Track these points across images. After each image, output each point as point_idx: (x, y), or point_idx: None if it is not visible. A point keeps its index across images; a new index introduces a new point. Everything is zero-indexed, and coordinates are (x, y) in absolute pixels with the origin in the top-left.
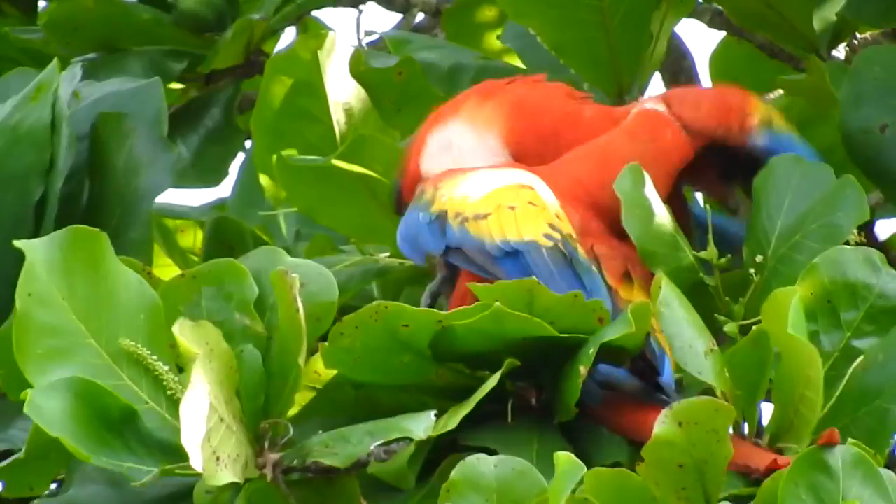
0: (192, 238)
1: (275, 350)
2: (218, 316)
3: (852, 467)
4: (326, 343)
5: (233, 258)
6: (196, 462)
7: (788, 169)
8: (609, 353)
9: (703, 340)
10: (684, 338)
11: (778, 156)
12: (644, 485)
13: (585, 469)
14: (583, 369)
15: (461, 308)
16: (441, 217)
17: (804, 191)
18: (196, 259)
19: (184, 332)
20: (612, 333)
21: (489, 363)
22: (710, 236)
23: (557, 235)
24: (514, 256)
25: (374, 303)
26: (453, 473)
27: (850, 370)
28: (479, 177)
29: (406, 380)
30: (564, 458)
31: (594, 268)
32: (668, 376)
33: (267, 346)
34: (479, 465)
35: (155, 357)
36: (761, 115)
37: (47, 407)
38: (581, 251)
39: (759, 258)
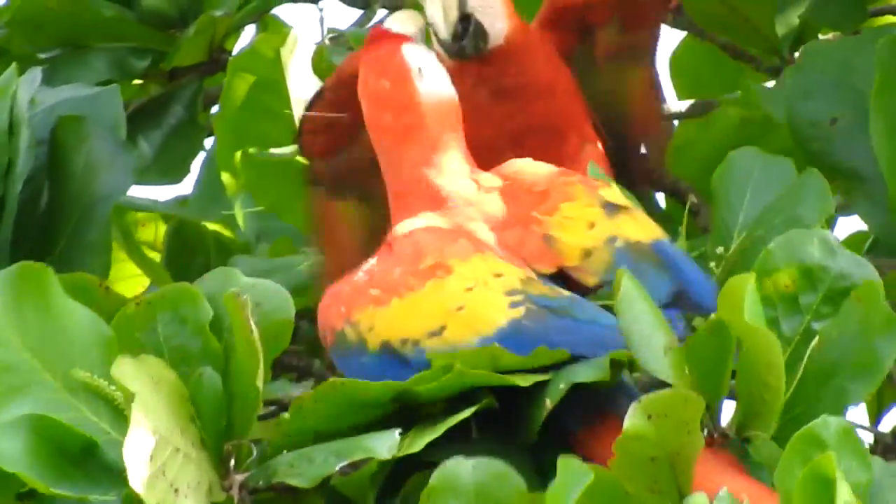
0: (154, 231)
1: (233, 371)
2: (174, 340)
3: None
4: (287, 415)
5: (194, 262)
6: (150, 501)
7: (748, 162)
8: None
9: (661, 336)
10: (643, 334)
11: (736, 150)
12: (616, 481)
13: (592, 475)
14: (549, 402)
15: (420, 375)
16: (388, 349)
17: (765, 184)
18: (156, 255)
19: (122, 370)
20: (584, 375)
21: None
22: (683, 228)
23: (519, 298)
24: (507, 343)
25: (330, 380)
26: (432, 479)
27: (808, 352)
28: (388, 284)
29: (369, 418)
30: (568, 462)
31: (558, 289)
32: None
33: (225, 368)
34: (458, 469)
35: (113, 387)
36: None
37: (5, 446)
38: (539, 287)
39: (719, 250)
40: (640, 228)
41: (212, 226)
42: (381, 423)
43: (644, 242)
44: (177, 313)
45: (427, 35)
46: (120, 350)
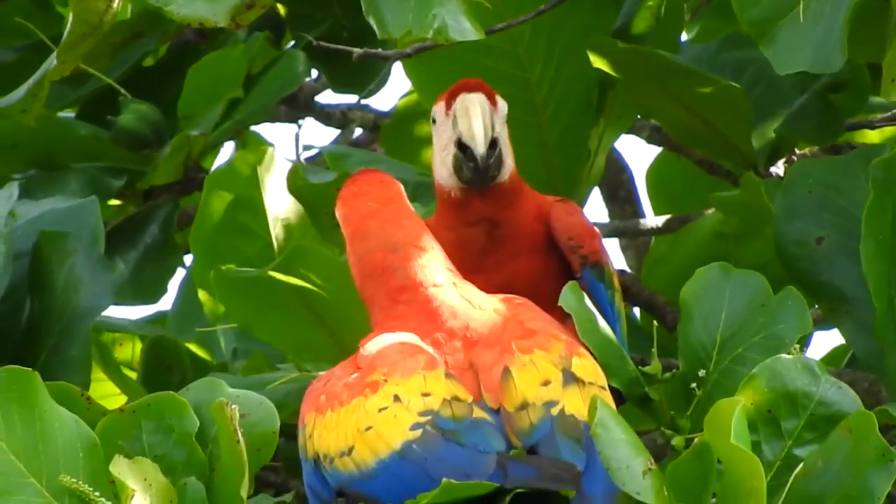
0: (131, 351)
1: (217, 481)
2: (159, 449)
3: None
4: None
5: (171, 378)
6: None
7: (719, 278)
8: None
9: (640, 460)
10: (621, 458)
11: (705, 266)
12: None
13: None
14: None
15: None
16: (316, 461)
17: (739, 301)
18: (133, 374)
19: (120, 468)
20: None
21: None
22: (655, 350)
23: (425, 419)
24: (395, 467)
25: None
26: None
27: (791, 478)
28: (331, 393)
29: None
30: None
31: (477, 411)
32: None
33: (209, 478)
34: None
35: (98, 493)
36: None
37: None
38: (454, 408)
39: (701, 372)
40: (585, 406)
41: (188, 344)
42: None
43: (577, 419)
44: (162, 422)
45: None
46: (104, 457)
